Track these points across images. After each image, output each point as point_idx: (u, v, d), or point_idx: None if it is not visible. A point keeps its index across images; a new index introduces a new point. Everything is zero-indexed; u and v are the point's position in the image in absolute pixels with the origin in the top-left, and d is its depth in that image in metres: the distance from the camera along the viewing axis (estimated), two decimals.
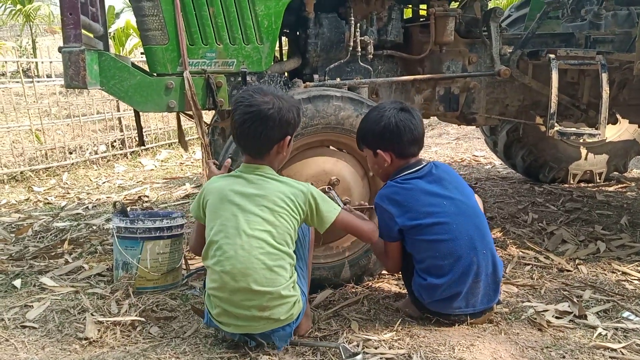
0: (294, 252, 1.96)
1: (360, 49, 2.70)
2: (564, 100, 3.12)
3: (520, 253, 2.94)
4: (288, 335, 1.94)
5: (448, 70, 2.99)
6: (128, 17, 13.62)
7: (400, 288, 2.49)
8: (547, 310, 2.23)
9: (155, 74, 2.48)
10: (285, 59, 3.15)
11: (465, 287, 2.05)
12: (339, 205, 2.09)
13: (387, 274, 2.64)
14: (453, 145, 6.55)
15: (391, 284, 2.56)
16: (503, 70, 2.93)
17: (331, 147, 2.55)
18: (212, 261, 1.89)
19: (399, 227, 2.08)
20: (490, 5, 3.11)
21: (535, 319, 2.15)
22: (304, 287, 2.00)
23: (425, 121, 6.63)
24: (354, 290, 2.48)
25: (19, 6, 14.28)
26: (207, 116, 3.80)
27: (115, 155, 5.95)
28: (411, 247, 2.12)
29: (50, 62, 6.56)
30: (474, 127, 3.81)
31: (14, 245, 3.21)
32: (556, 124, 2.84)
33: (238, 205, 1.87)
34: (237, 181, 1.93)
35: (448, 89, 3.04)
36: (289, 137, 1.97)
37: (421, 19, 3.04)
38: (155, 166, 5.81)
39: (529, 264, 2.79)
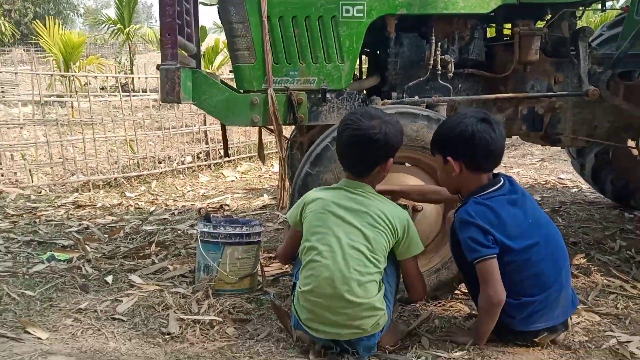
0: (385, 268, 1.99)
1: (440, 68, 2.71)
2: None
3: (605, 281, 2.79)
4: (372, 347, 1.98)
5: (532, 90, 2.93)
6: (217, 37, 14.37)
7: (471, 309, 2.44)
8: (631, 342, 2.11)
9: (242, 91, 2.63)
10: (364, 76, 3.22)
11: (550, 304, 2.01)
12: None
13: (460, 294, 2.60)
14: (537, 167, 6.31)
15: (462, 305, 2.52)
16: (592, 90, 2.82)
17: (406, 164, 2.57)
18: (309, 266, 1.95)
19: (496, 238, 1.95)
20: (580, 24, 3.01)
21: (618, 349, 2.05)
22: (390, 302, 2.02)
23: (508, 140, 6.35)
24: (425, 308, 2.46)
25: (119, 25, 15.52)
26: (287, 131, 3.94)
27: (200, 166, 6.27)
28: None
29: (146, 78, 7.06)
30: (560, 148, 3.66)
31: (107, 245, 3.47)
32: None
33: (341, 217, 1.95)
34: (339, 194, 2.00)
35: (532, 108, 2.97)
36: (391, 160, 2.02)
37: (505, 38, 3.01)
38: (236, 177, 6.05)
39: (613, 293, 2.64)
